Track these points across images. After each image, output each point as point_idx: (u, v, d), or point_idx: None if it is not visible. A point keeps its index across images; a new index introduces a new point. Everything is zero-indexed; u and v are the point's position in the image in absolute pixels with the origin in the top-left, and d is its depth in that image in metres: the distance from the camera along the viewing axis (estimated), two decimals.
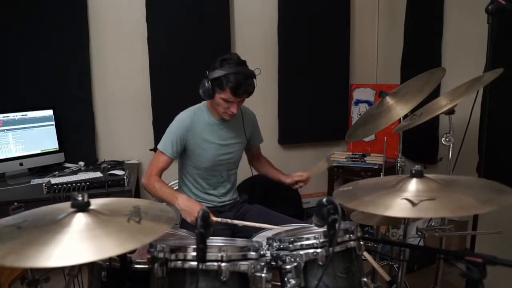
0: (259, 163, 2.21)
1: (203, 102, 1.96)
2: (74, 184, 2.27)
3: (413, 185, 1.11)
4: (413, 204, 1.01)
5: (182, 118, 1.89)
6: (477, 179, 1.28)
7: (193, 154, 1.91)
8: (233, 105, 1.80)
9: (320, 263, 1.11)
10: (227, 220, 1.75)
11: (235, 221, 1.75)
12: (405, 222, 1.65)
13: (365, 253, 1.70)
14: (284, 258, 1.13)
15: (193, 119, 1.89)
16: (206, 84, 1.76)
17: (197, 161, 1.92)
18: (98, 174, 2.49)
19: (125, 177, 2.36)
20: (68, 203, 0.95)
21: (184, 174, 1.99)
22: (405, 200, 1.04)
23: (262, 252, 1.14)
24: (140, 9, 2.84)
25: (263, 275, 1.06)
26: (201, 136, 1.89)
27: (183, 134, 1.86)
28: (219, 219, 1.74)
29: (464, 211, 0.98)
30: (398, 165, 2.08)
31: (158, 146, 1.90)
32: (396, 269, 2.05)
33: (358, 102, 3.38)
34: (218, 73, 1.73)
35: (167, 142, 1.87)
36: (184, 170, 1.99)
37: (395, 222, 1.69)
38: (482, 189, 1.11)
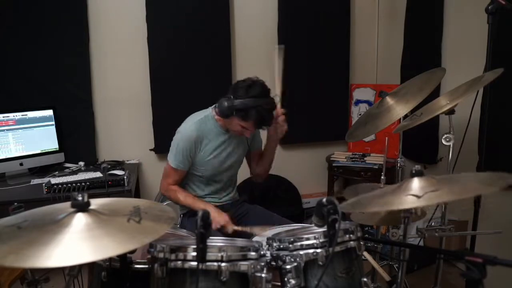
0: (258, 165, 2.14)
1: (209, 111, 1.90)
2: (74, 184, 2.27)
3: (415, 183, 1.12)
4: (418, 197, 1.02)
5: (188, 132, 1.84)
6: (477, 173, 1.29)
7: (198, 164, 1.89)
8: (249, 131, 1.80)
9: (320, 263, 1.11)
10: (247, 228, 1.70)
11: (254, 229, 1.67)
12: (405, 222, 1.65)
13: (365, 253, 1.70)
14: (284, 258, 1.13)
15: (199, 132, 1.84)
16: (227, 107, 1.70)
17: (201, 170, 1.91)
18: (98, 174, 2.49)
19: (125, 177, 2.36)
20: (68, 203, 0.95)
21: (185, 181, 1.99)
22: (411, 195, 1.05)
23: (262, 252, 1.15)
24: (140, 9, 2.84)
25: (263, 275, 1.06)
26: (207, 148, 1.87)
27: (191, 147, 1.83)
28: (239, 228, 1.74)
29: (468, 192, 0.99)
30: (398, 165, 2.08)
31: (170, 163, 1.87)
32: (396, 269, 2.05)
33: (358, 102, 3.38)
34: (244, 103, 1.69)
35: (177, 158, 1.85)
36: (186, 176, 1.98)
37: (395, 222, 1.69)
38: (483, 177, 1.13)
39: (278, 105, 1.84)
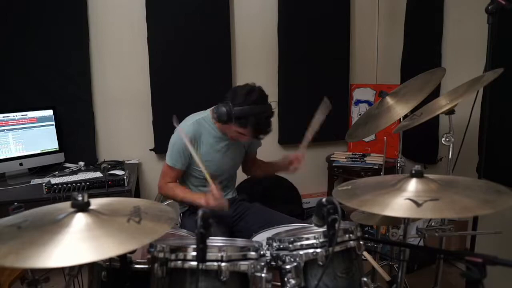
0: (256, 167, 2.16)
1: (207, 113, 1.90)
2: (74, 184, 2.27)
3: (413, 185, 1.11)
4: (417, 204, 1.01)
5: (185, 131, 1.84)
6: (476, 180, 1.28)
7: (194, 164, 1.88)
8: (246, 137, 1.79)
9: (320, 263, 1.11)
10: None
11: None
12: (405, 222, 1.65)
13: (365, 253, 1.71)
14: (284, 258, 1.13)
15: (195, 132, 1.84)
16: (226, 113, 1.69)
17: (198, 172, 1.90)
18: (98, 174, 2.49)
19: (125, 177, 2.36)
20: (68, 203, 0.95)
21: (184, 181, 1.99)
22: (409, 200, 1.03)
23: (262, 252, 1.15)
24: (140, 9, 2.84)
25: (263, 275, 1.06)
26: (204, 147, 1.87)
27: (187, 146, 1.82)
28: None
29: (468, 211, 0.98)
30: (398, 165, 2.08)
31: (167, 161, 1.88)
32: (396, 269, 2.05)
33: (358, 102, 3.38)
34: (242, 111, 1.68)
35: (174, 156, 1.86)
36: (185, 177, 1.98)
37: (395, 222, 1.69)
38: (482, 189, 1.11)
39: (301, 150, 1.94)
